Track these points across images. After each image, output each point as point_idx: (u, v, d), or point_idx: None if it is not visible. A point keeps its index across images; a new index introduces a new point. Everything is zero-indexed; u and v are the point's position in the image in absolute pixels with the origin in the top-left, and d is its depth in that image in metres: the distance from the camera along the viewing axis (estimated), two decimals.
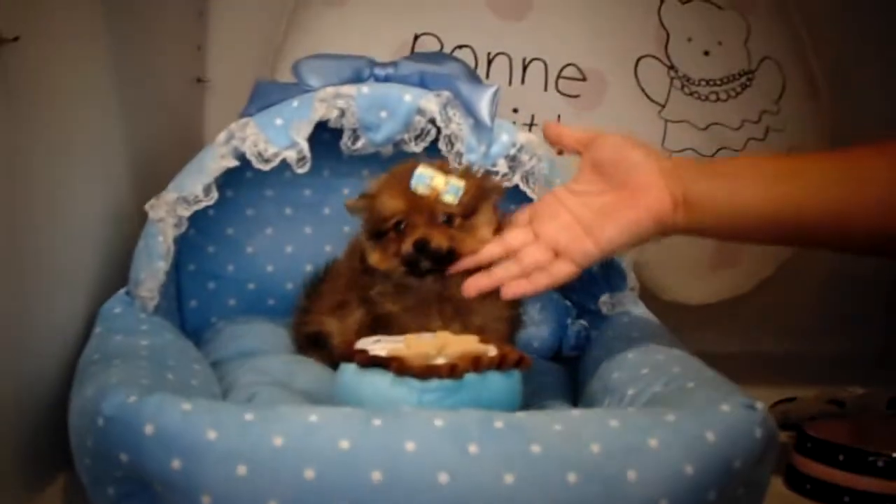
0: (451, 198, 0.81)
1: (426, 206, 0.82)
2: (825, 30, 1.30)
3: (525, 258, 0.80)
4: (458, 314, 0.84)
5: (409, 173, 0.82)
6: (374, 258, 0.83)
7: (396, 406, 0.68)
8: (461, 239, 0.83)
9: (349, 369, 0.74)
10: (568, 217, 0.79)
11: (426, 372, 0.70)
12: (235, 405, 0.67)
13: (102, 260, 0.92)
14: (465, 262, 0.82)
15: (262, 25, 1.26)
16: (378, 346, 0.76)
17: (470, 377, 0.71)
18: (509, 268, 0.80)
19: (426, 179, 0.81)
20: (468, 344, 0.75)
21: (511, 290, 0.80)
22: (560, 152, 0.85)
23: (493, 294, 0.81)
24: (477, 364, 0.72)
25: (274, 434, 0.60)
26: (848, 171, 0.75)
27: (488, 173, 0.88)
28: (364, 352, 0.73)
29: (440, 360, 0.72)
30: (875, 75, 1.39)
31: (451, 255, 0.82)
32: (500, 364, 0.73)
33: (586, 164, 0.80)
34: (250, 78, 1.01)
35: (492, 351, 0.75)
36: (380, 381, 0.71)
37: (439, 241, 0.82)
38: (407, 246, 0.82)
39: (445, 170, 0.83)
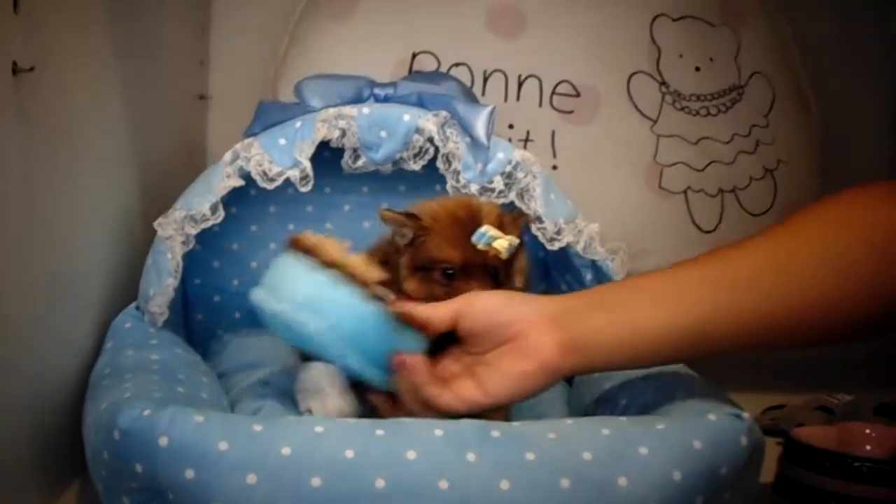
0: (505, 254, 0.83)
1: (480, 260, 0.83)
2: (814, 44, 1.31)
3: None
4: None
5: (472, 224, 0.83)
6: (411, 286, 0.85)
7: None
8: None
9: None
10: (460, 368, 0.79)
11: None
12: (245, 417, 0.70)
13: (112, 275, 0.94)
14: None
15: (263, 41, 1.27)
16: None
17: None
18: None
19: (489, 239, 0.82)
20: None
21: None
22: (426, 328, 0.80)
23: None
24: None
25: (282, 444, 0.62)
26: (763, 271, 0.74)
27: (519, 211, 0.89)
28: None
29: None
30: (864, 89, 1.41)
31: None
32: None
33: (463, 334, 0.78)
34: (252, 93, 1.03)
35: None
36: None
37: None
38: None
39: (502, 222, 0.84)
